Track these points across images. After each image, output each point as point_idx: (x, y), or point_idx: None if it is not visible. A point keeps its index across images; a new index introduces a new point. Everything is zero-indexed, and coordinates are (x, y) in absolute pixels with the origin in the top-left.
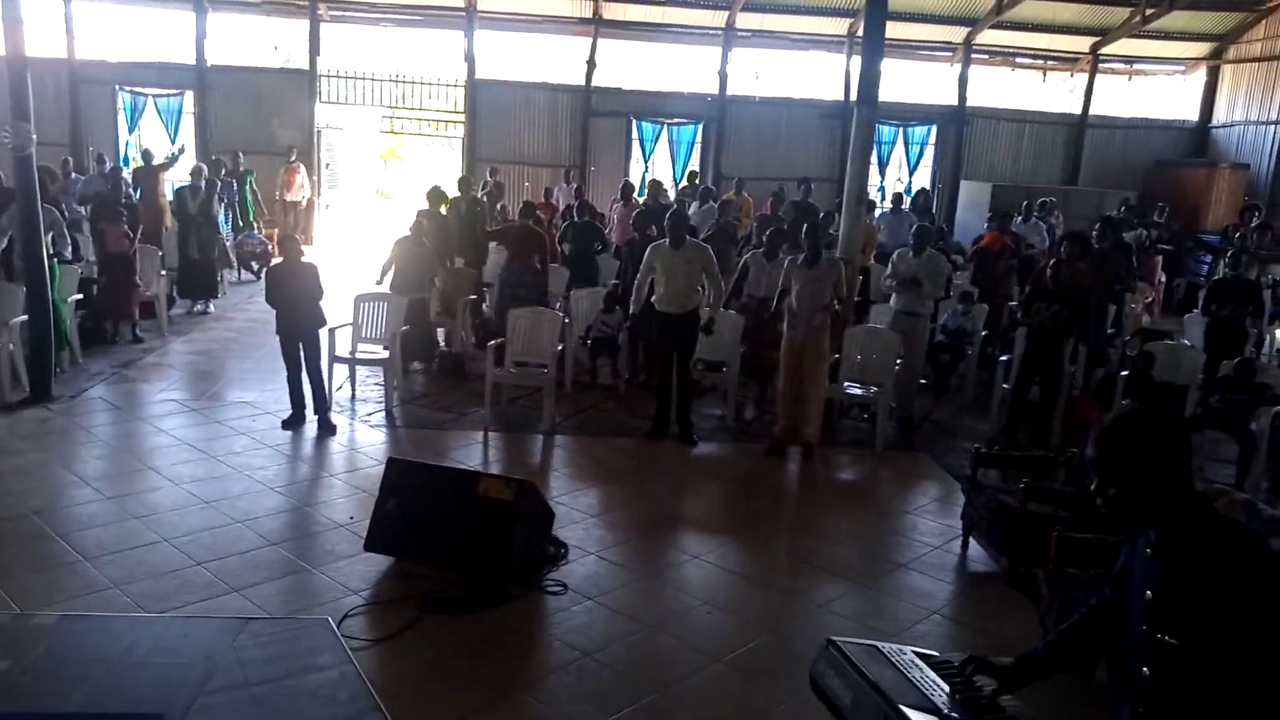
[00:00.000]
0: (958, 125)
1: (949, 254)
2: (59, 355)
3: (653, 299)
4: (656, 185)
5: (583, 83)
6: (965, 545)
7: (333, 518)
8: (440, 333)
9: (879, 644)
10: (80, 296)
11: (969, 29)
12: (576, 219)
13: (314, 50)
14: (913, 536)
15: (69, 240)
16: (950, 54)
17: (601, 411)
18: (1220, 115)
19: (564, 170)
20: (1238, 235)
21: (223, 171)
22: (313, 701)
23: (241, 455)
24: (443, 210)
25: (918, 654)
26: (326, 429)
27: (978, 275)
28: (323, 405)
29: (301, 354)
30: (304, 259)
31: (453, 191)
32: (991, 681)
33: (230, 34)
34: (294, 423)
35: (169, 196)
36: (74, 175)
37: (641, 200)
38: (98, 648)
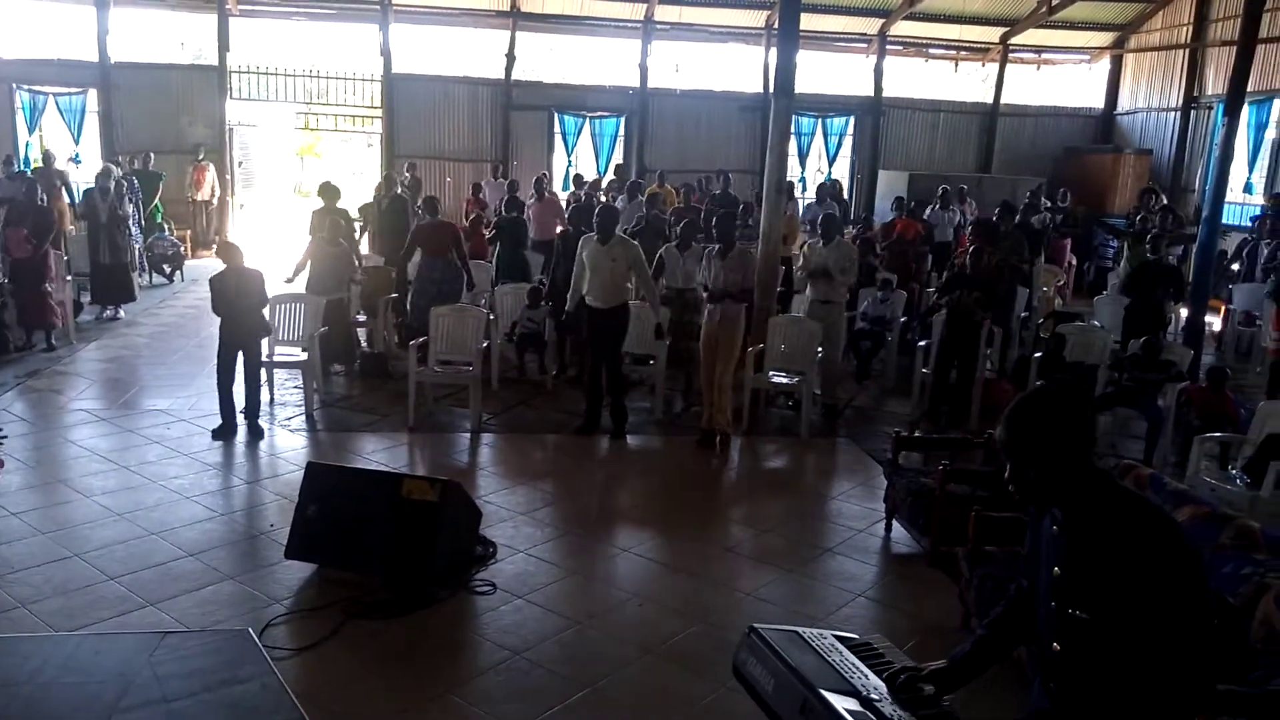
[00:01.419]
0: (874, 116)
1: (874, 243)
2: None
3: (585, 294)
4: (580, 180)
5: (502, 76)
6: (888, 528)
7: (252, 526)
8: (361, 333)
9: (800, 629)
10: None
11: (883, 20)
12: (506, 214)
13: (223, 45)
14: (838, 521)
15: None
16: (865, 45)
17: (530, 408)
18: (1124, 103)
19: (490, 165)
20: (1139, 218)
21: (134, 167)
22: (234, 715)
23: (156, 464)
24: (338, 205)
25: (838, 637)
26: (256, 434)
27: (891, 263)
28: (254, 411)
29: (240, 361)
30: (247, 265)
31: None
32: (928, 686)
33: (135, 29)
34: (224, 433)
35: (77, 199)
36: None
37: (567, 194)
38: (1, 671)
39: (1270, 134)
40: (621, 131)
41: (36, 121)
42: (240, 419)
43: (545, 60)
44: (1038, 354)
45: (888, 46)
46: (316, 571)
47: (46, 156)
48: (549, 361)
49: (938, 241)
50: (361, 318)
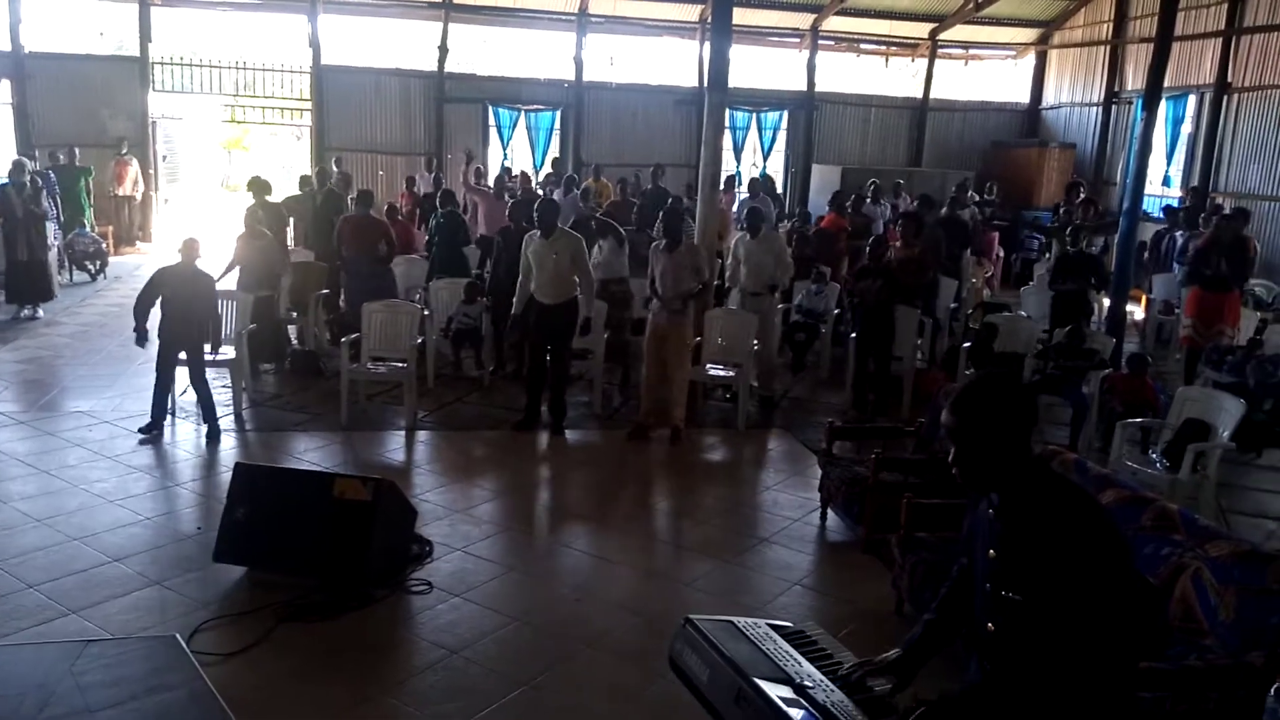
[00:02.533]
0: (808, 110)
1: (808, 235)
2: None
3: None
4: (524, 176)
5: (435, 69)
6: (824, 516)
7: (179, 529)
8: (292, 330)
9: (735, 619)
10: None
11: (815, 15)
12: (441, 209)
13: (145, 36)
14: (774, 511)
15: None
16: (798, 40)
17: (466, 405)
18: (1049, 98)
19: (423, 158)
20: (1063, 211)
21: (53, 162)
22: None
23: (78, 468)
24: (269, 199)
25: (772, 626)
26: (215, 439)
27: (820, 256)
28: (209, 414)
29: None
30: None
31: (287, 181)
32: (886, 679)
33: (51, 18)
34: (151, 429)
35: None
36: None
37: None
38: None
39: (1186, 128)
40: (558, 125)
41: None
42: (191, 425)
43: (479, 53)
44: (967, 344)
45: (820, 41)
46: (247, 574)
47: None
48: (486, 357)
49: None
50: (292, 314)
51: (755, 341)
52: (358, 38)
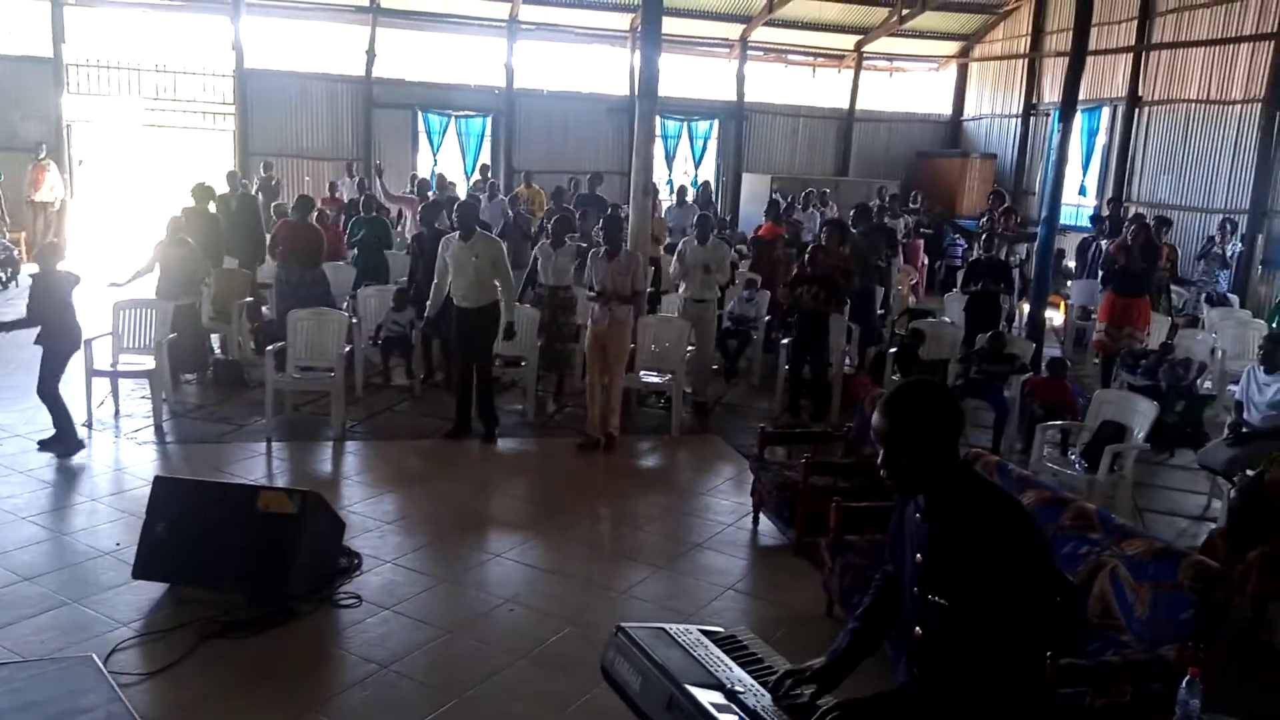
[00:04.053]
0: (737, 120)
1: (732, 244)
2: None
3: (451, 294)
4: (441, 179)
5: (363, 73)
6: (756, 521)
7: (96, 545)
8: (215, 339)
9: (667, 626)
10: None
11: (744, 26)
12: (363, 214)
13: (58, 36)
14: (708, 516)
15: None
16: (728, 50)
17: (396, 414)
18: (970, 109)
19: (346, 163)
20: (985, 219)
21: None
22: None
23: None
24: (211, 208)
25: (704, 632)
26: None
27: (757, 263)
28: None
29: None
30: (60, 268)
31: (221, 187)
32: (809, 688)
33: None
34: (57, 444)
35: None
36: None
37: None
38: None
39: (1101, 139)
40: (489, 132)
41: None
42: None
43: (408, 58)
44: (893, 349)
45: (749, 52)
46: (168, 591)
47: None
48: (415, 365)
49: (802, 243)
50: (214, 323)
51: (690, 347)
52: (283, 41)
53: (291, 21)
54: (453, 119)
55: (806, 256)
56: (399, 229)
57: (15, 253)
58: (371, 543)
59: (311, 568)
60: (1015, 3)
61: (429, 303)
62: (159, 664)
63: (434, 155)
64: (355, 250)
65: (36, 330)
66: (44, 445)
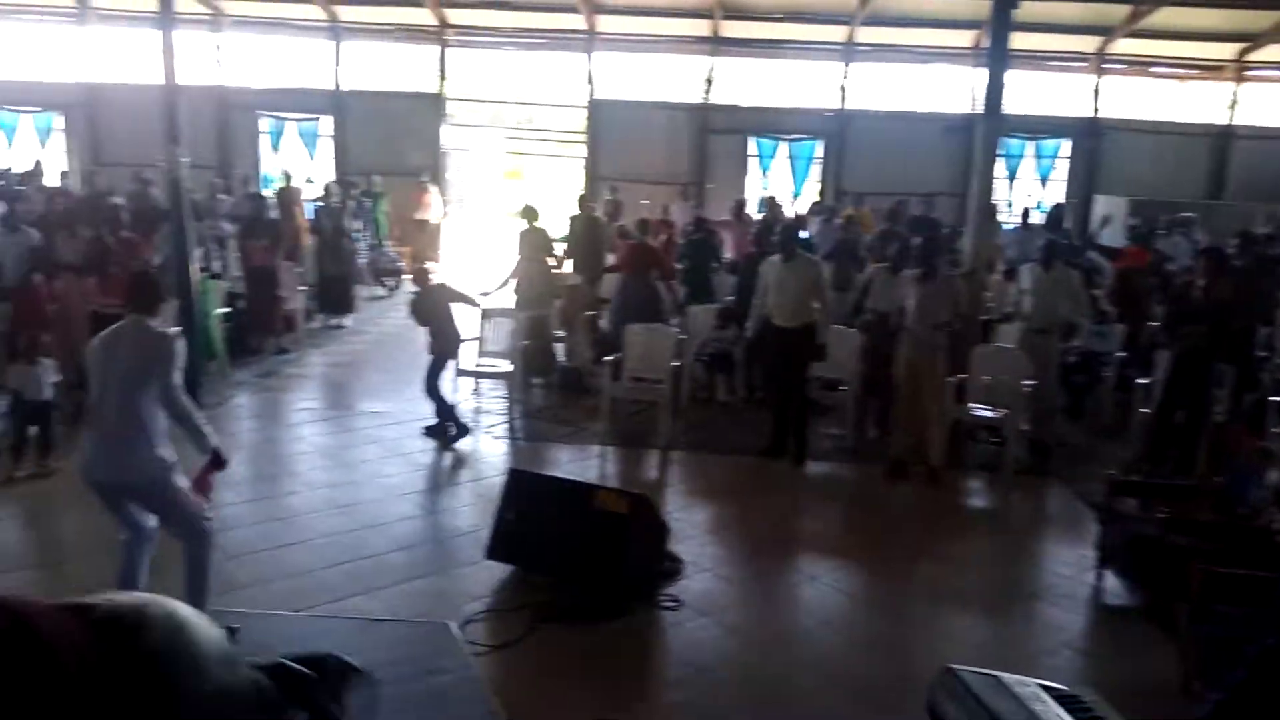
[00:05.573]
0: (1092, 138)
1: (1087, 271)
2: (206, 365)
3: (770, 315)
4: (772, 201)
5: (700, 101)
6: (1099, 576)
7: (457, 525)
8: (559, 348)
9: (1000, 674)
10: (229, 310)
11: (1102, 39)
12: (693, 235)
13: (442, 74)
14: (1041, 565)
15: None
16: (1083, 64)
17: (717, 428)
18: None
19: (680, 187)
20: None
21: (357, 191)
22: (435, 704)
23: (373, 463)
24: (536, 225)
25: (1042, 686)
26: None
27: (1117, 294)
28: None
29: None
30: (437, 282)
31: (573, 209)
32: None
33: (364, 60)
34: (436, 433)
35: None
36: (220, 196)
37: (759, 216)
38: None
39: None
40: (819, 154)
41: (278, 145)
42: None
43: (743, 83)
44: (1277, 397)
45: (1107, 65)
46: (513, 573)
47: (286, 176)
48: (737, 383)
49: (1166, 272)
50: (560, 333)
51: (1029, 382)
52: (629, 72)
53: (639, 55)
54: (783, 142)
55: (1201, 290)
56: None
57: (400, 264)
58: (692, 550)
59: (639, 567)
60: None
61: (749, 322)
62: (501, 639)
63: (764, 178)
64: (685, 269)
65: (426, 337)
66: (428, 432)
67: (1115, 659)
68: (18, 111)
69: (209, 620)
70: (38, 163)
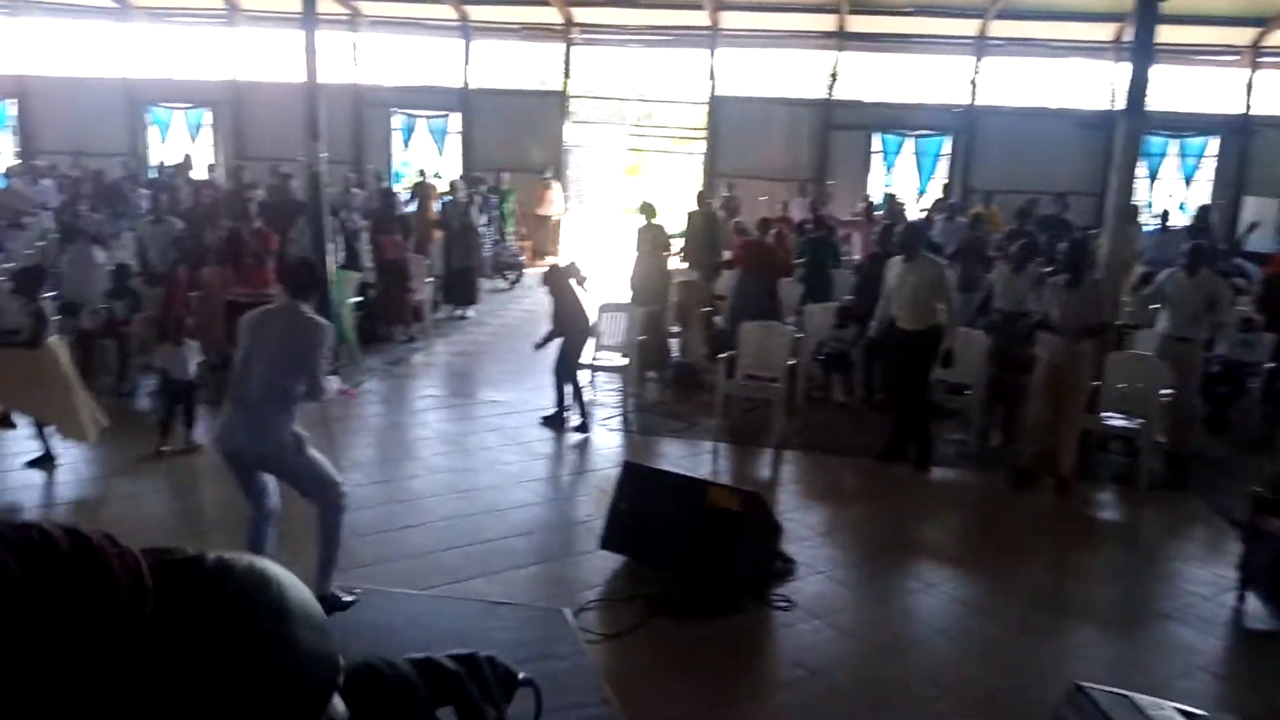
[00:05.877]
0: (1242, 136)
1: (1232, 276)
2: (339, 351)
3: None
4: (893, 200)
5: (822, 96)
6: (1241, 598)
7: (573, 514)
8: (674, 343)
9: (1132, 694)
10: (360, 300)
11: (1258, 30)
12: (812, 233)
13: (566, 72)
14: (1176, 584)
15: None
16: (1235, 58)
17: (833, 428)
18: None
19: (799, 184)
20: None
21: (485, 188)
22: (550, 689)
23: (493, 450)
24: (654, 221)
25: (1180, 710)
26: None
27: (1266, 301)
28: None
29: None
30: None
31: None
32: None
33: (491, 58)
34: (553, 423)
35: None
36: (354, 190)
37: (880, 215)
38: (357, 618)
39: None
40: (945, 150)
41: (409, 141)
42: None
43: (867, 79)
44: None
45: (1262, 59)
46: (625, 564)
47: (422, 173)
48: (855, 383)
49: None
50: (675, 329)
51: (1168, 391)
52: (751, 68)
53: (760, 51)
54: (909, 139)
55: None
56: (846, 249)
57: (522, 258)
58: (805, 551)
59: (750, 565)
60: None
61: (873, 322)
62: (613, 628)
63: (887, 175)
64: (803, 267)
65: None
66: (545, 421)
67: (1258, 686)
68: (171, 108)
69: (304, 587)
70: (187, 156)
